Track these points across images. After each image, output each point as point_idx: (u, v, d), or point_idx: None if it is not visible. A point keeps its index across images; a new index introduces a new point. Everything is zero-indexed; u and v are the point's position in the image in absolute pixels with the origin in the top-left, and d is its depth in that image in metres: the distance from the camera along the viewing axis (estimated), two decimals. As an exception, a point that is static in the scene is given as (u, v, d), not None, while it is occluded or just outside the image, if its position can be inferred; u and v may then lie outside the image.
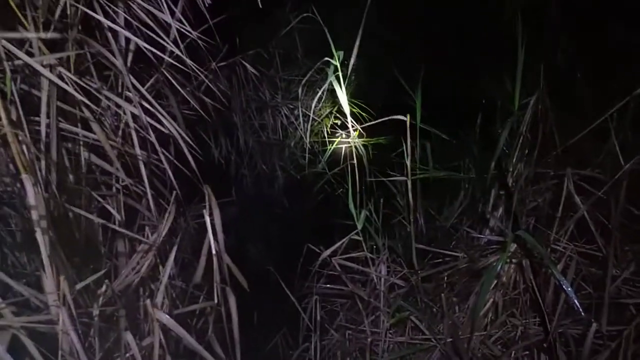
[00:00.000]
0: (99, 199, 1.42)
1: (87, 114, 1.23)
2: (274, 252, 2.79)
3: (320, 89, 2.87)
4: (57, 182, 1.21)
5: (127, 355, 1.18)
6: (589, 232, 1.85)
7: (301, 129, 3.09)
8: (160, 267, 1.42)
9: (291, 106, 3.12)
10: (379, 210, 1.97)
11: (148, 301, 1.18)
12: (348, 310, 1.92)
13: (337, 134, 3.09)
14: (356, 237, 1.88)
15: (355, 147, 2.12)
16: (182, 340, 1.36)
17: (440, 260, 2.04)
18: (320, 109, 3.14)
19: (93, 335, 1.15)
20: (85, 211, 1.34)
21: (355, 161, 2.05)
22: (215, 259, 1.36)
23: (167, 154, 1.42)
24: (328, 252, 1.84)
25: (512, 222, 1.75)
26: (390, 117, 1.79)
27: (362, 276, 1.91)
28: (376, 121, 1.84)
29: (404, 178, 1.86)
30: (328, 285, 1.87)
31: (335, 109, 3.25)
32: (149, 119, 1.38)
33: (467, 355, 1.51)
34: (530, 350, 1.54)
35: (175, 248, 1.32)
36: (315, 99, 2.82)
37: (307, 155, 3.06)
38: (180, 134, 1.37)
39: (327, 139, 3.24)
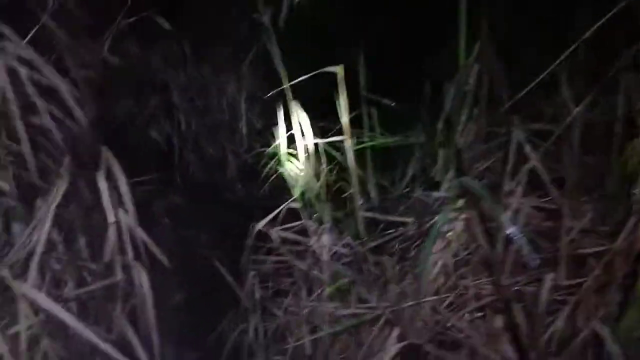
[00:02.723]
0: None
1: None
2: (223, 236, 2.62)
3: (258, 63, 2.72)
4: None
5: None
6: (545, 187, 1.74)
7: (245, 108, 2.91)
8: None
9: (234, 84, 2.93)
10: (320, 178, 1.82)
11: (5, 272, 0.98)
12: (293, 285, 1.77)
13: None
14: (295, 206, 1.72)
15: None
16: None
17: (393, 230, 1.91)
18: (265, 86, 2.95)
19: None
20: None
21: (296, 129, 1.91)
22: (117, 229, 1.18)
23: (53, 113, 1.22)
24: (262, 223, 1.67)
25: (459, 176, 1.62)
26: (320, 70, 1.62)
27: (304, 247, 1.75)
28: (306, 76, 1.68)
29: (342, 137, 1.71)
30: (263, 257, 1.71)
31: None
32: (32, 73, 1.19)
33: (415, 322, 1.37)
34: (484, 311, 1.41)
35: (51, 213, 1.13)
36: (246, 63, 2.66)
37: (250, 136, 2.89)
38: (67, 88, 1.19)
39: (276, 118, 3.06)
